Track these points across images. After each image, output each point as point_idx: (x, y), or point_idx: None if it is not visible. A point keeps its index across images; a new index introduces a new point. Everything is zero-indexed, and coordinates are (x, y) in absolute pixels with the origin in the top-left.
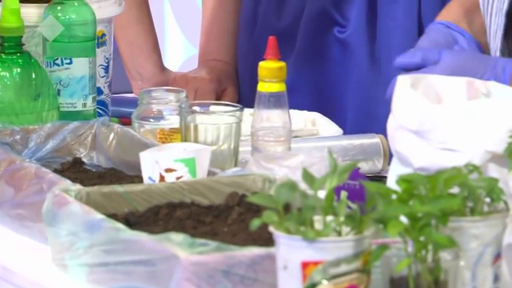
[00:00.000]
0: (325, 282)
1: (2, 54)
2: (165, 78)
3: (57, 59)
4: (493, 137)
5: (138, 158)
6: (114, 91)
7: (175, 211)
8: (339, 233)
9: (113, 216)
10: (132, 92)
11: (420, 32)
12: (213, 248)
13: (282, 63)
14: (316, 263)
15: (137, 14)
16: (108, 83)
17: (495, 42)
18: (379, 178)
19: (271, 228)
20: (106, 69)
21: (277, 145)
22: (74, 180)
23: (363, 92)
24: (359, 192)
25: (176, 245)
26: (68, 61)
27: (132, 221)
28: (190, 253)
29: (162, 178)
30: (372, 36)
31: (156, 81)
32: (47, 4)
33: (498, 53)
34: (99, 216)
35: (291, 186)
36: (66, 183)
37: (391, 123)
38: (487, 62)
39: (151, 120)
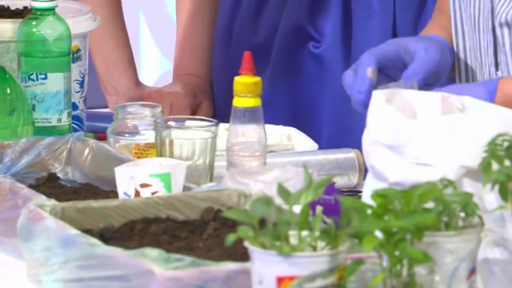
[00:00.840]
0: None
1: None
2: (140, 93)
3: (32, 74)
4: (468, 152)
5: (114, 173)
6: (89, 106)
7: (150, 226)
8: (314, 248)
9: (88, 231)
10: (107, 107)
11: None
12: (188, 263)
13: (258, 78)
14: (291, 278)
15: (112, 28)
16: (83, 98)
17: (487, 58)
18: (355, 193)
19: (246, 243)
20: (81, 84)
21: (252, 160)
22: (49, 195)
23: (338, 107)
24: (334, 207)
25: (151, 260)
26: (43, 76)
27: (107, 236)
28: (165, 268)
29: (137, 193)
30: (347, 51)
31: (131, 96)
32: (21, 19)
33: (493, 68)
34: (74, 231)
35: (266, 201)
36: (41, 198)
37: (366, 138)
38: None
39: (127, 135)
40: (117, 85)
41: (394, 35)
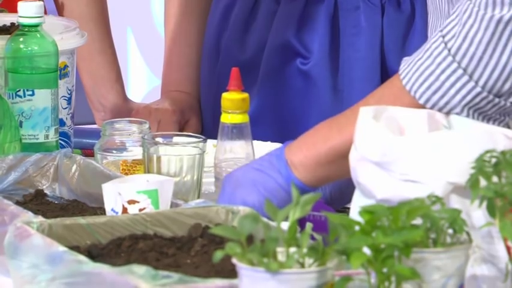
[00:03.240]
0: None
1: None
2: (128, 109)
3: (19, 90)
4: (455, 169)
5: (101, 190)
6: (76, 122)
7: (138, 243)
8: (302, 265)
9: (75, 248)
10: (95, 123)
11: (383, 64)
12: (176, 280)
13: (245, 95)
14: None
15: (99, 45)
16: (70, 115)
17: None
18: (342, 209)
19: (234, 260)
20: (69, 100)
21: None
22: (36, 212)
23: None
24: (324, 224)
25: (139, 277)
26: (30, 93)
27: (95, 253)
28: (153, 285)
29: (124, 210)
30: (335, 68)
31: (119, 112)
32: (9, 36)
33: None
34: (62, 248)
35: (254, 217)
36: (28, 215)
37: (353, 155)
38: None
39: (114, 151)
40: (104, 101)
41: (382, 52)
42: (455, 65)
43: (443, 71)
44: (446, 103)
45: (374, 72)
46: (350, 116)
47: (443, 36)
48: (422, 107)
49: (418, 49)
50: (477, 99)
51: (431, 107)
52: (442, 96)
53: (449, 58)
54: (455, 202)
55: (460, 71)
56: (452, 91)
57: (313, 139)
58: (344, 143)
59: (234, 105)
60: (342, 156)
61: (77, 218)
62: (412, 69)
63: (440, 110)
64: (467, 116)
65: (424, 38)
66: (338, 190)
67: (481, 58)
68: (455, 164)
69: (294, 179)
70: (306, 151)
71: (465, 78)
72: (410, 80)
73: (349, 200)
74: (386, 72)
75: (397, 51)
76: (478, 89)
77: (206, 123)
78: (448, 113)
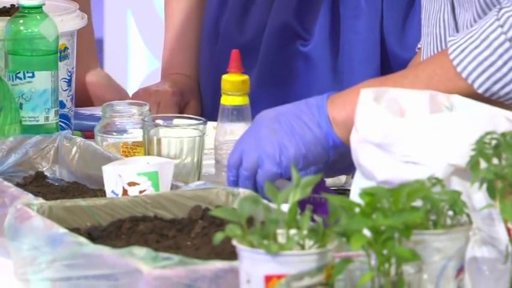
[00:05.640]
0: None
1: None
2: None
3: (19, 72)
4: (456, 150)
5: (101, 172)
6: (76, 104)
7: (138, 225)
8: (302, 247)
9: (75, 230)
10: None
11: (382, 46)
12: (176, 262)
13: (245, 77)
14: (279, 277)
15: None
16: (70, 97)
17: None
18: (343, 191)
19: (234, 242)
20: (69, 82)
21: None
22: (36, 194)
23: None
24: (324, 206)
25: (139, 259)
26: (30, 75)
27: (95, 235)
28: (153, 267)
29: (125, 192)
30: (335, 50)
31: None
32: (8, 18)
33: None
34: (62, 230)
35: (254, 199)
36: (29, 197)
37: (354, 137)
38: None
39: (114, 133)
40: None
41: (382, 34)
42: None
43: (505, 63)
44: (507, 93)
45: (374, 54)
46: (398, 82)
47: (502, 26)
48: (478, 94)
49: (458, 31)
50: None
51: (490, 96)
52: (503, 87)
53: None
54: (456, 184)
55: None
56: None
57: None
58: None
59: (234, 87)
60: None
61: (77, 200)
62: (467, 57)
63: (499, 98)
64: None
65: None
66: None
67: None
68: (456, 146)
69: (333, 137)
70: (350, 111)
71: None
72: (466, 68)
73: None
74: (386, 54)
75: (397, 33)
76: None
77: (206, 106)
78: (509, 103)
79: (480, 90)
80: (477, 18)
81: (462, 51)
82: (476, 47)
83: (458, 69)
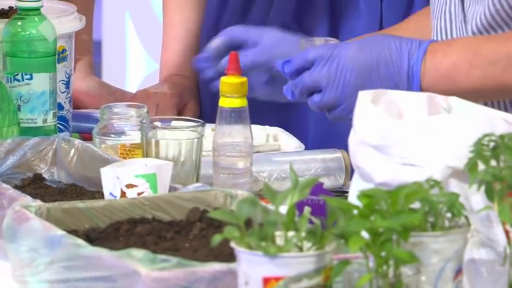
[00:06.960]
0: None
1: None
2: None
3: (17, 74)
4: (454, 152)
5: (99, 174)
6: (75, 106)
7: (136, 227)
8: (300, 249)
9: (73, 232)
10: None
11: None
12: (174, 264)
13: (244, 79)
14: (277, 279)
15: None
16: (69, 99)
17: None
18: (341, 193)
19: (232, 244)
20: (67, 84)
21: (238, 160)
22: (34, 196)
23: None
24: (323, 208)
25: (137, 261)
26: (29, 77)
27: (93, 237)
28: (151, 269)
29: (123, 194)
30: None
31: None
32: (7, 19)
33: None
34: (60, 232)
35: (252, 201)
36: (27, 199)
37: (352, 139)
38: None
39: (112, 135)
40: None
41: None
42: None
43: None
44: None
45: None
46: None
47: None
48: None
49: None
50: None
51: None
52: None
53: None
54: (454, 186)
55: None
56: None
57: (455, 75)
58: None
59: (232, 89)
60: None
61: (75, 202)
62: None
63: None
64: None
65: None
66: None
67: None
68: (454, 148)
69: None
70: (446, 84)
71: None
72: None
73: None
74: None
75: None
76: None
77: (205, 107)
78: None
79: None
80: (489, 11)
81: None
82: None
83: None
